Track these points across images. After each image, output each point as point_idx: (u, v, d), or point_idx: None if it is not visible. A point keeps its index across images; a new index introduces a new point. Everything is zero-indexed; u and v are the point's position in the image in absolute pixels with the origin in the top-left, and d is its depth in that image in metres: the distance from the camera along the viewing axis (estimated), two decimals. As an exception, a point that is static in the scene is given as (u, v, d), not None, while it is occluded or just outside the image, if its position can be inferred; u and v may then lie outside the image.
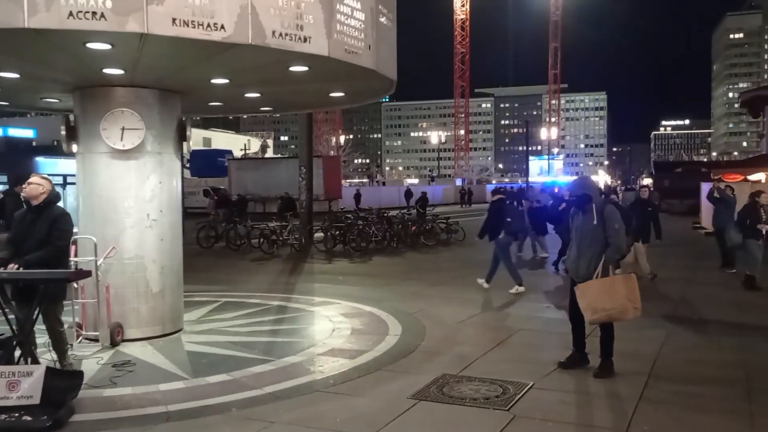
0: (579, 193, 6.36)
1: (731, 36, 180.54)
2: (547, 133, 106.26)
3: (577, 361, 6.41)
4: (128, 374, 6.37)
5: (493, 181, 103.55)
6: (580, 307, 6.14)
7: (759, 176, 29.88)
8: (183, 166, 8.45)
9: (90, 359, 6.86)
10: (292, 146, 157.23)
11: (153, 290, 7.76)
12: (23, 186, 6.31)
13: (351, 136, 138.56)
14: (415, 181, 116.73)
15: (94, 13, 5.19)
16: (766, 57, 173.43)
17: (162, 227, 7.83)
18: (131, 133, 7.43)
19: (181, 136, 8.01)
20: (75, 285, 7.34)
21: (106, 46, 5.79)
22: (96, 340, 7.46)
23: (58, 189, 6.37)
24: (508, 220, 11.14)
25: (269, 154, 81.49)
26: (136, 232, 7.63)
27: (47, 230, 5.90)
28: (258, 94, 8.61)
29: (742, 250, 11.47)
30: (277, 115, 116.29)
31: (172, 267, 8.03)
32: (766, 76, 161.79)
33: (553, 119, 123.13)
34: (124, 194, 7.57)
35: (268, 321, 8.86)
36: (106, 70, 6.75)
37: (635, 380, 6.01)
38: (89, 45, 5.73)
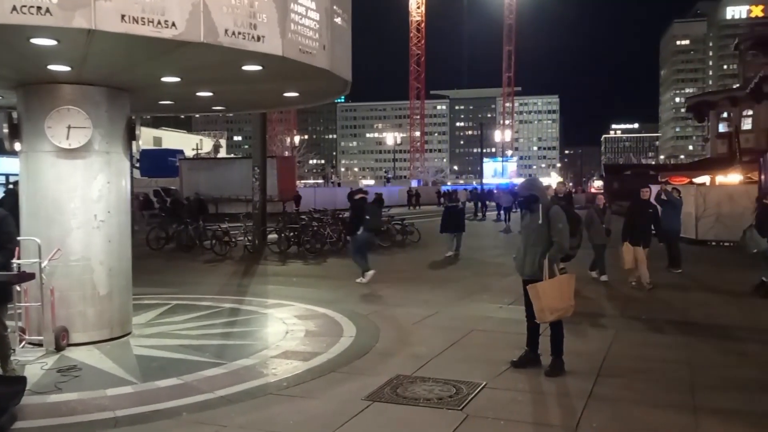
0: (526, 193, 6.52)
1: (678, 42, 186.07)
2: (501, 136, 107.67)
3: (530, 360, 6.50)
4: (74, 379, 6.20)
5: (448, 183, 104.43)
6: (535, 308, 6.23)
7: (704, 179, 30.89)
8: (132, 165, 8.26)
9: (34, 364, 6.66)
10: (246, 146, 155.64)
11: (100, 293, 7.57)
12: None
13: (306, 137, 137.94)
14: (371, 182, 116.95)
15: (39, 7, 5.02)
16: (710, 63, 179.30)
17: (110, 228, 7.64)
18: (78, 131, 7.23)
19: (130, 135, 7.84)
20: (18, 288, 7.09)
21: (52, 42, 5.62)
22: (40, 344, 7.23)
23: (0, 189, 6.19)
24: (367, 217, 12.18)
25: (222, 154, 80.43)
26: (83, 233, 7.43)
27: None
28: (210, 93, 8.48)
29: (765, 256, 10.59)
30: (231, 115, 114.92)
31: (120, 269, 7.84)
32: (710, 82, 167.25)
33: (507, 122, 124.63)
34: (70, 194, 7.36)
35: (220, 324, 8.74)
36: (52, 67, 6.55)
37: (585, 378, 6.13)
38: (34, 40, 5.55)
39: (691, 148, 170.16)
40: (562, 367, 6.31)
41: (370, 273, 11.99)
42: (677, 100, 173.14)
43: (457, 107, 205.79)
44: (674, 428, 5.04)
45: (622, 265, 11.51)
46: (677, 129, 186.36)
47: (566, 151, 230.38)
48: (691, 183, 28.03)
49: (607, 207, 12.97)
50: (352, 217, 12.46)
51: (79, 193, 7.40)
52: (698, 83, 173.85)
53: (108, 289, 7.63)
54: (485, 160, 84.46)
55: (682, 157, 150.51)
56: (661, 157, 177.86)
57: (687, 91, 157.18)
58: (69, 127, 7.20)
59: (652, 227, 11.92)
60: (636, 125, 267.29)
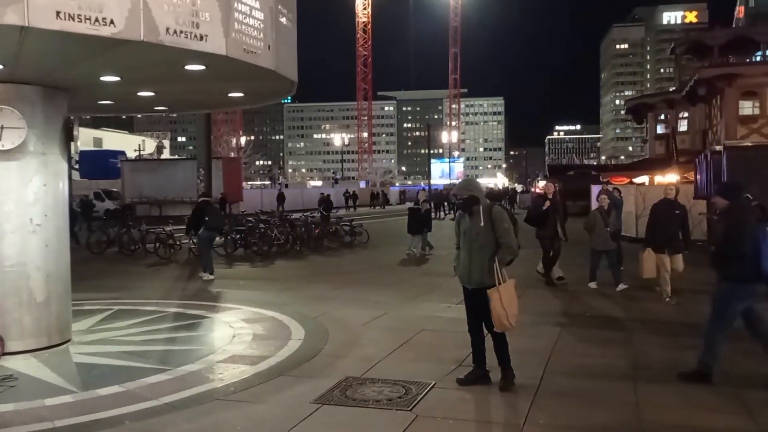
0: (465, 194, 5.99)
1: (617, 46, 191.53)
2: (447, 137, 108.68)
3: (479, 378, 6.01)
4: (10, 389, 5.97)
5: (397, 183, 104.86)
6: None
7: (642, 179, 31.89)
8: (71, 167, 8.01)
9: (-34, 375, 6.37)
10: (191, 147, 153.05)
11: (37, 299, 7.30)
12: None
13: (252, 138, 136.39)
14: (319, 183, 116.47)
15: (-34, 3, 4.81)
16: (648, 67, 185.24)
17: (47, 232, 7.38)
18: (11, 132, 6.95)
19: (68, 136, 7.59)
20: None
21: (-18, 39, 5.38)
22: (-27, 354, 6.92)
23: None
24: (207, 219, 13.25)
25: (166, 155, 78.79)
26: (18, 237, 7.15)
27: None
28: (152, 93, 8.29)
29: None
30: (174, 115, 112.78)
31: (58, 274, 7.58)
32: (648, 85, 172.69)
33: (453, 123, 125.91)
34: (3, 197, 7.08)
35: (165, 329, 8.54)
36: (-17, 65, 6.28)
37: (531, 376, 6.22)
38: (-38, 37, 5.31)
39: (630, 149, 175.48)
40: (513, 377, 5.92)
41: (211, 277, 12.90)
42: (617, 102, 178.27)
43: (404, 108, 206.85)
44: (618, 422, 5.16)
45: (640, 275, 10.62)
46: (617, 130, 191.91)
47: (511, 152, 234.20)
48: (631, 183, 28.95)
49: (612, 208, 11.88)
50: (193, 218, 13.64)
51: (14, 196, 7.12)
52: (637, 86, 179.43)
53: (45, 295, 7.37)
54: (433, 161, 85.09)
55: (622, 157, 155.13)
56: (603, 157, 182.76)
57: (626, 93, 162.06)
58: (2, 128, 6.92)
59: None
60: (578, 127, 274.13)
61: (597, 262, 11.50)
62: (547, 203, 11.81)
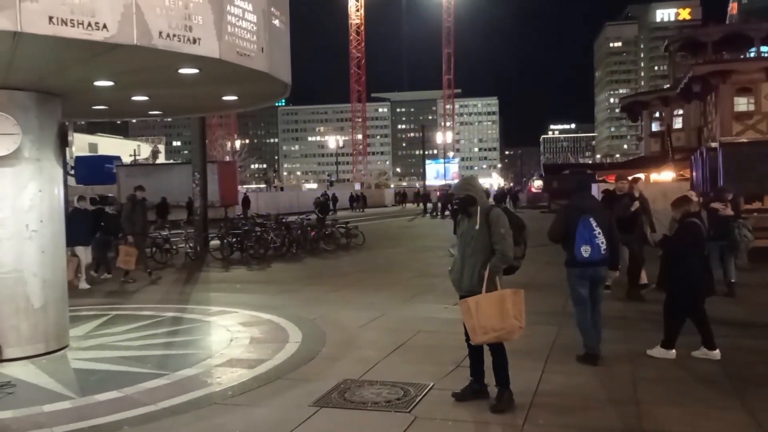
0: (462, 194, 5.61)
1: (611, 44, 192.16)
2: (442, 137, 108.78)
3: (476, 392, 5.64)
4: (8, 396, 5.94)
5: (392, 185, 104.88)
6: (467, 326, 5.44)
7: (638, 176, 31.88)
8: (66, 173, 7.99)
9: (-37, 383, 6.35)
10: (185, 151, 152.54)
11: (34, 305, 7.27)
12: None
13: (247, 141, 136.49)
14: (314, 185, 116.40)
15: (-41, 9, 4.79)
16: (642, 65, 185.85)
17: (43, 238, 7.36)
18: (6, 138, 6.93)
19: (63, 142, 7.57)
20: (-56, 303, 6.76)
21: (-25, 45, 5.37)
22: (-30, 362, 6.90)
23: None
24: (102, 224, 13.95)
25: (161, 159, 78.70)
26: (14, 244, 7.13)
27: None
28: (146, 98, 8.27)
29: None
30: (169, 120, 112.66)
31: (55, 280, 7.56)
32: (643, 83, 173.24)
33: (447, 123, 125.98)
34: (-2, 204, 7.05)
35: (162, 333, 8.52)
36: (-24, 71, 6.26)
37: (531, 376, 6.22)
38: (-45, 43, 5.30)
39: (625, 147, 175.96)
40: (511, 400, 5.43)
41: (107, 276, 13.93)
42: (612, 100, 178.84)
43: (398, 110, 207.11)
44: (618, 418, 5.17)
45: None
46: (612, 129, 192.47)
47: (506, 152, 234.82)
48: (627, 181, 28.89)
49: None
50: (89, 224, 13.58)
51: (9, 202, 7.10)
52: (631, 84, 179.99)
53: (42, 301, 7.34)
54: (427, 161, 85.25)
55: (617, 156, 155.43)
56: (598, 156, 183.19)
57: (621, 91, 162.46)
58: (-4, 134, 6.90)
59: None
60: (573, 125, 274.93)
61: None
62: (636, 204, 10.34)
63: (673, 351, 6.80)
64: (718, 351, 6.72)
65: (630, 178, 11.50)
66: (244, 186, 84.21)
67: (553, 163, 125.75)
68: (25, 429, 5.13)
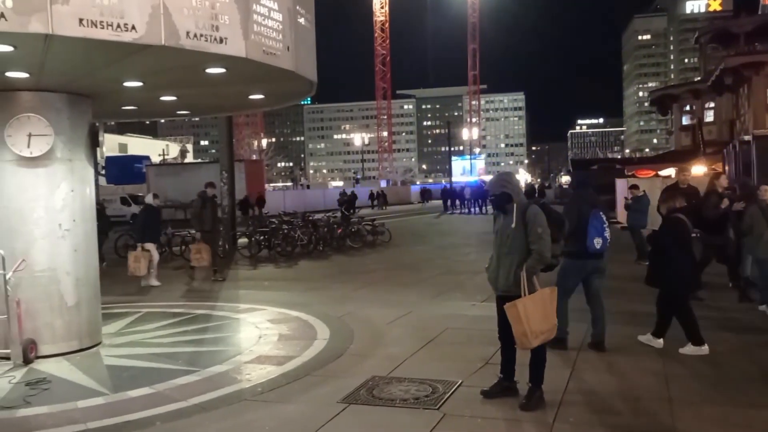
0: (498, 191, 5.46)
1: (639, 37, 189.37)
2: (468, 134, 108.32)
3: (504, 390, 5.56)
4: (43, 392, 6.06)
5: (417, 182, 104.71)
6: (516, 333, 5.24)
7: (668, 171, 31.43)
8: (97, 173, 8.12)
9: (1, 378, 6.51)
10: (213, 151, 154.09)
11: (68, 303, 7.41)
12: None
13: (273, 140, 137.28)
14: (340, 183, 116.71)
15: (-7, 13, 4.89)
16: (672, 57, 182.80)
17: (76, 237, 7.49)
18: (39, 139, 7.07)
19: (94, 142, 7.69)
20: (-19, 301, 6.92)
21: (8, 48, 5.47)
22: (7, 358, 7.03)
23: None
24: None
25: (189, 159, 79.59)
26: (48, 243, 7.27)
27: None
28: (174, 97, 8.36)
29: None
30: (196, 119, 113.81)
31: (87, 278, 7.69)
32: (672, 76, 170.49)
33: (473, 120, 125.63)
34: (32, 204, 7.19)
35: (192, 330, 8.62)
36: (10, 74, 6.38)
37: (560, 373, 6.16)
38: (-11, 47, 5.41)
39: (655, 141, 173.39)
40: (542, 399, 5.35)
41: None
42: (641, 94, 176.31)
43: (423, 106, 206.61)
44: (651, 418, 5.10)
45: None
46: (641, 123, 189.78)
47: (533, 148, 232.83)
48: (657, 176, 28.52)
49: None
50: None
51: (42, 202, 7.24)
52: (660, 77, 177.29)
53: (76, 299, 7.48)
54: (453, 158, 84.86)
55: (647, 150, 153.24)
56: (627, 150, 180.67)
57: (650, 85, 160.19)
58: (30, 135, 7.04)
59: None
60: (601, 120, 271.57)
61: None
62: (725, 201, 9.62)
63: (661, 340, 7.02)
64: (706, 346, 6.74)
65: (711, 173, 11.17)
66: (271, 184, 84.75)
67: (581, 158, 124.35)
68: (60, 424, 5.23)
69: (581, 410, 5.26)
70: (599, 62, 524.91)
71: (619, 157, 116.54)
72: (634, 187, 14.75)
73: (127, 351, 7.59)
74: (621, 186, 24.54)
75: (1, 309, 7.04)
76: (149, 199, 13.43)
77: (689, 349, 6.77)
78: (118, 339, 8.19)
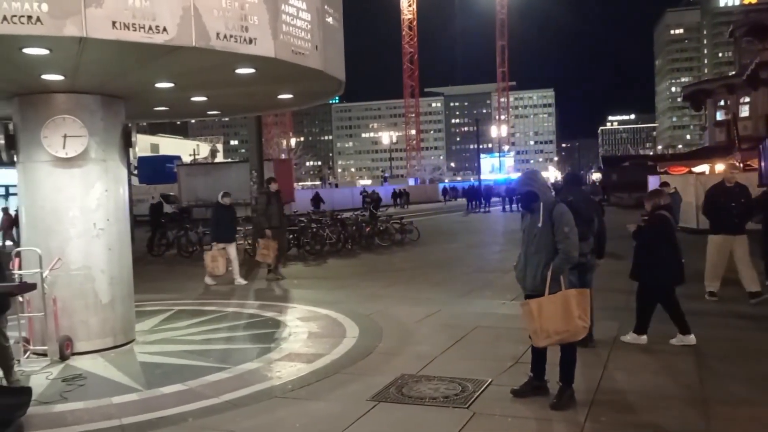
0: (524, 190, 5.44)
1: (671, 32, 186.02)
2: (497, 131, 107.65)
3: (535, 389, 5.54)
4: (79, 388, 6.18)
5: (446, 180, 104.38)
6: (529, 329, 5.31)
7: (703, 168, 30.91)
8: (130, 173, 8.25)
9: (38, 374, 6.65)
10: (243, 150, 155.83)
11: (102, 301, 7.55)
12: None
13: (302, 139, 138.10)
14: (368, 182, 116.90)
15: (29, 17, 5.00)
16: (705, 52, 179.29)
17: (110, 236, 7.62)
18: (74, 140, 7.21)
19: (127, 143, 7.82)
20: (20, 298, 7.09)
21: (44, 51, 5.59)
22: (44, 354, 7.21)
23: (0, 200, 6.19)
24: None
25: (219, 158, 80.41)
26: (83, 242, 7.41)
27: None
28: (204, 98, 8.46)
29: None
30: (226, 119, 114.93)
31: (121, 277, 7.82)
32: (706, 71, 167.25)
33: (502, 117, 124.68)
34: (68, 204, 7.34)
35: (223, 328, 8.72)
36: (45, 76, 6.52)
37: (592, 373, 6.10)
38: (26, 50, 5.53)
39: (688, 137, 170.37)
40: (572, 398, 5.32)
41: None
42: (673, 89, 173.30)
43: (451, 104, 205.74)
44: (685, 419, 5.02)
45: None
46: (674, 119, 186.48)
47: (563, 145, 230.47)
48: (690, 172, 28.06)
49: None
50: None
51: (78, 202, 7.38)
52: (694, 72, 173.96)
53: (110, 297, 7.62)
54: (482, 155, 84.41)
55: (680, 146, 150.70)
56: (659, 147, 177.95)
57: (683, 80, 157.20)
58: (65, 136, 7.18)
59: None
60: (632, 116, 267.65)
61: None
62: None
63: (645, 337, 7.15)
64: (693, 336, 7.02)
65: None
66: (299, 183, 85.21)
67: (612, 155, 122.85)
68: (96, 420, 5.33)
69: (613, 410, 5.21)
70: (630, 57, 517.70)
71: (651, 153, 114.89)
72: (664, 184, 14.51)
73: (159, 348, 7.71)
74: (653, 183, 24.18)
75: (38, 306, 7.22)
76: (220, 197, 13.10)
77: (678, 339, 7.04)
78: (151, 336, 8.32)
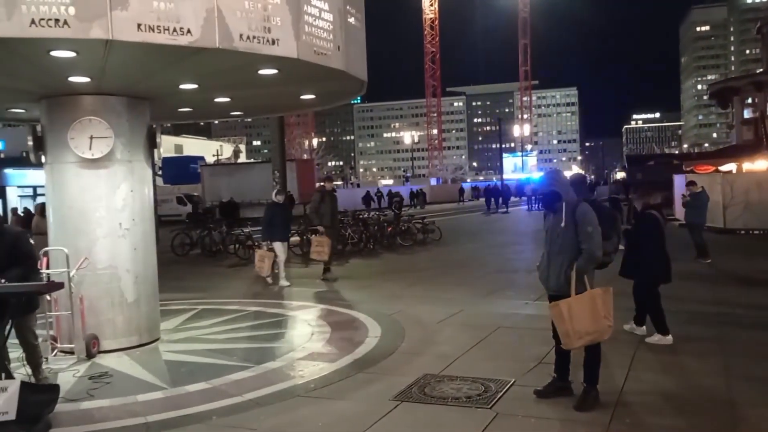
0: (546, 189, 5.40)
1: (698, 29, 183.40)
2: (519, 130, 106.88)
3: (558, 390, 5.51)
4: (105, 386, 6.27)
5: (468, 179, 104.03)
6: (559, 331, 5.27)
7: (730, 167, 30.42)
8: (154, 173, 8.34)
9: (66, 372, 6.75)
10: (265, 150, 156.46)
11: (128, 300, 7.64)
12: None
13: (324, 139, 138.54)
14: (390, 181, 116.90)
15: (57, 20, 5.08)
16: (732, 49, 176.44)
17: (135, 236, 7.72)
18: (100, 141, 7.31)
19: (151, 143, 7.90)
20: (48, 297, 7.21)
21: (71, 54, 5.68)
22: (71, 352, 7.32)
23: (27, 201, 6.28)
24: None
25: (242, 159, 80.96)
26: (109, 242, 7.51)
27: (7, 258, 5.66)
28: (228, 99, 8.53)
29: None
30: (249, 120, 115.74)
31: (146, 276, 7.91)
32: (733, 68, 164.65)
33: (525, 116, 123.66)
34: (95, 204, 7.45)
35: (246, 327, 8.78)
36: (72, 78, 6.63)
37: (617, 374, 6.05)
38: (53, 53, 5.63)
39: (715, 135, 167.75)
40: (597, 399, 5.27)
41: None
42: (699, 87, 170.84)
43: (474, 103, 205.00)
44: (712, 421, 4.95)
45: None
46: (700, 117, 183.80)
47: (587, 144, 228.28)
48: (717, 171, 27.62)
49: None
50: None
51: (104, 202, 7.48)
52: (720, 69, 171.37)
53: (135, 296, 7.71)
54: (505, 155, 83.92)
55: (706, 145, 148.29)
56: (685, 146, 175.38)
57: (709, 77, 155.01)
58: (91, 138, 7.28)
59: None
60: (657, 114, 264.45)
61: None
62: None
63: (669, 337, 7.13)
64: (670, 336, 7.11)
65: None
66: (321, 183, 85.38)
67: (636, 154, 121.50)
68: (122, 417, 5.40)
69: (638, 411, 5.15)
70: (655, 55, 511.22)
71: (676, 152, 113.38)
72: (691, 183, 14.32)
73: (184, 347, 7.78)
74: (679, 182, 23.88)
75: (65, 305, 7.34)
76: (273, 195, 12.98)
77: (656, 339, 7.14)
78: (176, 335, 8.41)
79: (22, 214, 19.63)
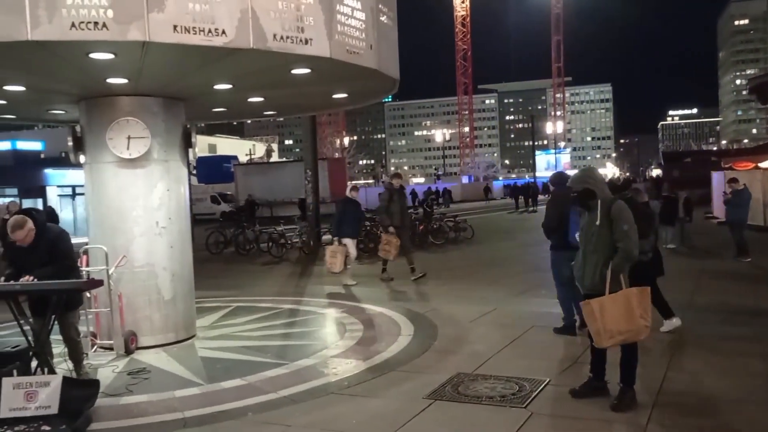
0: (580, 187, 5.33)
1: (736, 23, 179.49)
2: (552, 127, 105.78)
3: (594, 389, 5.43)
4: (144, 382, 6.39)
5: (500, 177, 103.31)
6: (591, 330, 5.21)
7: (769, 163, 29.66)
8: (189, 173, 8.46)
9: (105, 368, 6.89)
10: (297, 149, 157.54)
11: (165, 297, 7.77)
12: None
13: (355, 138, 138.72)
14: (422, 180, 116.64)
15: (96, 23, 5.19)
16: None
17: (171, 234, 7.84)
18: (137, 141, 7.44)
19: (187, 143, 8.01)
20: (88, 294, 7.36)
21: (109, 56, 5.79)
22: (110, 348, 7.48)
23: (67, 200, 6.40)
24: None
25: (275, 158, 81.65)
26: (146, 240, 7.65)
27: (47, 256, 5.81)
28: (261, 99, 8.60)
29: None
30: (281, 119, 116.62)
31: (182, 274, 8.03)
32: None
33: (558, 113, 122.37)
34: (132, 203, 7.58)
35: (280, 324, 8.86)
36: (110, 80, 6.76)
37: (654, 374, 5.94)
38: (92, 55, 5.74)
39: (754, 131, 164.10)
40: (634, 400, 5.20)
41: None
42: (738, 82, 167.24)
43: (506, 101, 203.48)
44: (753, 423, 4.85)
45: None
46: (739, 112, 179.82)
47: (621, 141, 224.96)
48: (757, 168, 26.99)
49: None
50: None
51: (141, 201, 7.61)
52: (760, 63, 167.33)
53: (172, 293, 7.83)
54: (537, 152, 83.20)
55: (745, 141, 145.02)
56: (723, 142, 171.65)
57: (748, 72, 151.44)
58: (129, 138, 7.41)
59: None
60: (695, 110, 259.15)
61: None
62: None
63: (676, 318, 7.45)
64: (677, 318, 7.44)
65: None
66: (353, 182, 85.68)
67: (673, 151, 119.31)
68: (160, 412, 5.50)
69: (677, 412, 5.06)
70: (692, 50, 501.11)
71: (714, 149, 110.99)
72: (733, 180, 13.98)
73: (219, 344, 7.88)
74: (717, 179, 23.39)
75: (104, 302, 7.49)
76: (348, 191, 12.84)
77: (666, 326, 7.39)
78: (211, 332, 8.52)
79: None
